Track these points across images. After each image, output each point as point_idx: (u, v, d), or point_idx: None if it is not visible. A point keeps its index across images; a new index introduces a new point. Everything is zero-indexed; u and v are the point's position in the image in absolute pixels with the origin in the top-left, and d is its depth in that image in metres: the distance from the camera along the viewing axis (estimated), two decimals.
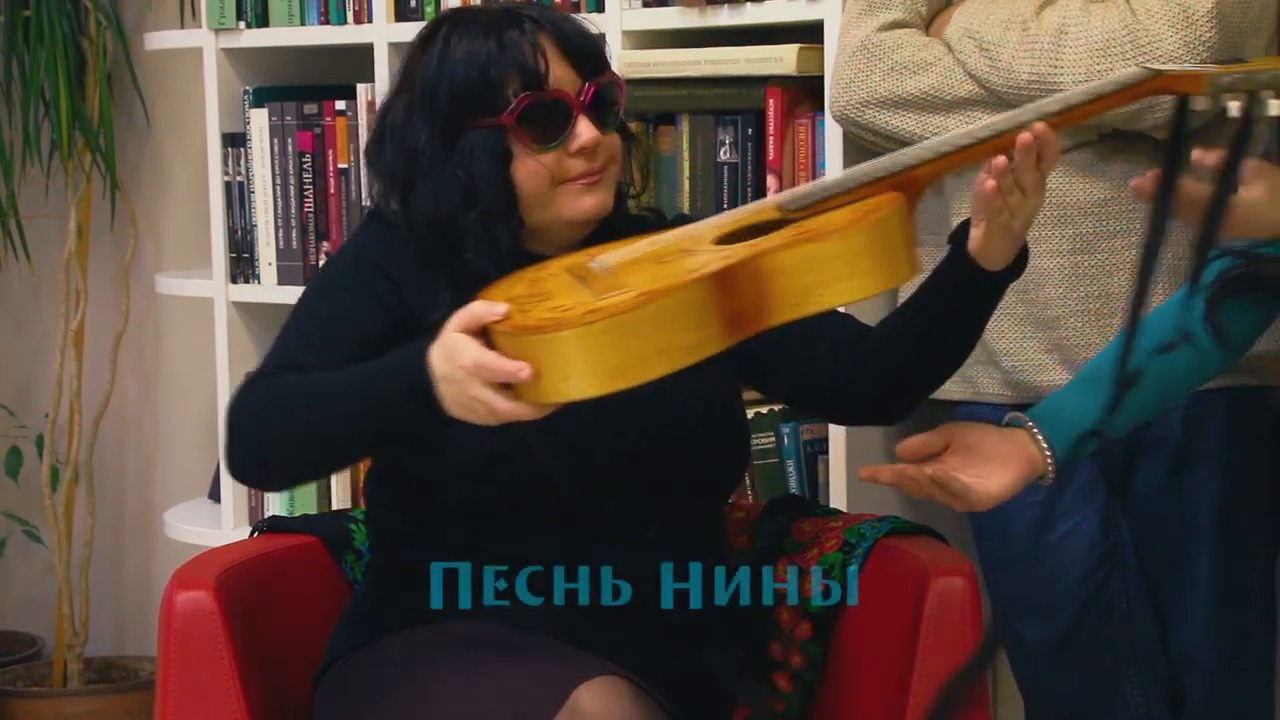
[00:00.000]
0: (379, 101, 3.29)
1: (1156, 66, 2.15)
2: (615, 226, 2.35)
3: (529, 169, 2.30)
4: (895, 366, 2.32)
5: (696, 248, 2.12)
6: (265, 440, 2.19)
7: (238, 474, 2.24)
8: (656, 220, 2.45)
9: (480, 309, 2.04)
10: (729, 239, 2.12)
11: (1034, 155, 2.12)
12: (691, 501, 2.38)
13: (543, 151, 2.29)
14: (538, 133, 2.29)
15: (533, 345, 1.99)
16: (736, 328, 2.03)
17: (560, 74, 2.30)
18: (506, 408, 2.01)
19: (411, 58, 2.38)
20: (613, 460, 2.29)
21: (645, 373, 1.98)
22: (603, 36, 2.42)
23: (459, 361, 2.02)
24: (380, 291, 2.30)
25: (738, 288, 2.02)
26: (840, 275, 2.03)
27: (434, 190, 2.31)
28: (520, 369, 1.98)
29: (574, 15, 2.40)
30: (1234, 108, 2.07)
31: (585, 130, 2.29)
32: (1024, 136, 2.10)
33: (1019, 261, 2.22)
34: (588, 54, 2.33)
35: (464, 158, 2.29)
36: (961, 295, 2.24)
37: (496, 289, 2.14)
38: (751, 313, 2.03)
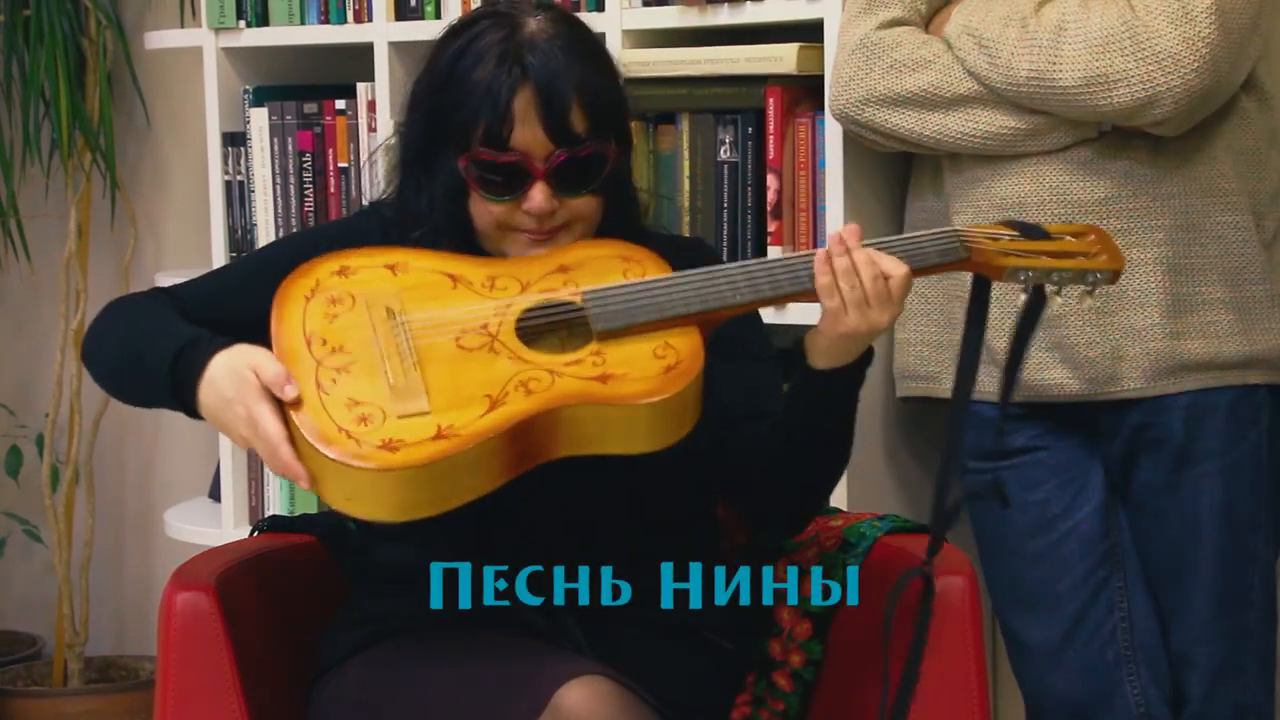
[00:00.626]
0: (379, 101, 3.32)
1: (969, 244, 2.21)
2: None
3: (479, 210, 2.30)
4: (770, 468, 2.32)
5: (498, 337, 2.18)
6: (99, 336, 2.33)
7: (81, 351, 2.37)
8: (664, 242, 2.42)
9: (276, 380, 2.12)
10: (530, 330, 2.19)
11: (863, 257, 2.17)
12: (679, 499, 2.37)
13: (493, 202, 2.28)
14: (488, 186, 2.27)
15: (320, 460, 2.09)
16: (518, 466, 2.12)
17: (528, 136, 2.24)
18: (276, 469, 2.12)
19: (443, 39, 2.34)
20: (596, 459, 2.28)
21: (425, 511, 2.09)
22: (607, 96, 2.30)
23: (248, 406, 2.12)
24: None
25: (530, 434, 2.11)
26: (626, 435, 2.15)
27: (404, 190, 2.35)
28: (301, 478, 2.10)
29: (598, 59, 2.30)
30: (1021, 300, 2.21)
31: (538, 196, 2.26)
32: (834, 235, 2.18)
33: (858, 365, 2.25)
34: (569, 120, 2.25)
35: (432, 173, 2.31)
36: (804, 393, 2.26)
37: (301, 280, 2.22)
38: (535, 451, 2.13)
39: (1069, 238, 2.24)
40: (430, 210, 2.31)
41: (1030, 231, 2.24)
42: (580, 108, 2.25)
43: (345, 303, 2.21)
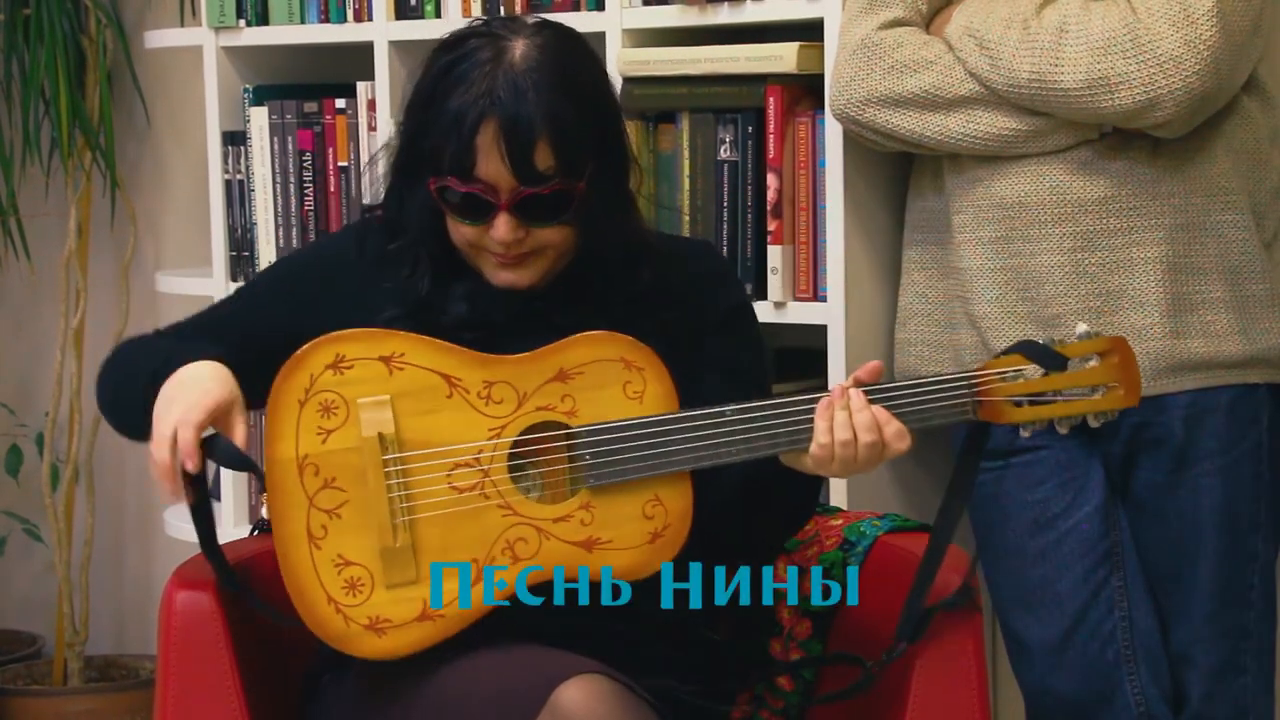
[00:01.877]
0: (379, 100, 3.32)
1: (981, 395, 2.20)
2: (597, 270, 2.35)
3: (453, 228, 2.30)
4: (720, 523, 2.33)
5: (490, 474, 2.23)
6: (104, 382, 2.40)
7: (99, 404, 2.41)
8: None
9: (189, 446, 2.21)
10: (520, 456, 2.24)
11: (865, 421, 2.15)
12: None
13: (462, 224, 2.28)
14: (455, 211, 2.27)
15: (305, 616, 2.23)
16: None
17: (492, 170, 2.23)
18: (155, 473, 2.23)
19: (436, 51, 2.33)
20: None
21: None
22: (581, 130, 2.25)
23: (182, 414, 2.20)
24: (302, 301, 2.34)
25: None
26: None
27: (389, 200, 2.36)
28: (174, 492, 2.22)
29: (579, 90, 2.26)
30: (1025, 430, 2.23)
31: (501, 226, 2.25)
32: (837, 389, 2.18)
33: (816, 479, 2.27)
34: (533, 159, 2.22)
35: (413, 187, 2.31)
36: (768, 474, 2.26)
37: (296, 376, 2.24)
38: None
39: (1094, 359, 2.21)
40: (409, 223, 2.33)
41: (1049, 361, 2.20)
42: (548, 145, 2.23)
43: (339, 414, 2.23)
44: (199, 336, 2.37)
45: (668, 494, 2.22)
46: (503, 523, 2.21)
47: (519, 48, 2.26)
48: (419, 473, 2.22)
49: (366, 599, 2.20)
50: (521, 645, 2.23)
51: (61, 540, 4.17)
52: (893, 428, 2.16)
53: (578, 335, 2.24)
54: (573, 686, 2.10)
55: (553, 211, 2.26)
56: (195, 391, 2.22)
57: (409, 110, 2.32)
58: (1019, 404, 2.20)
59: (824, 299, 2.89)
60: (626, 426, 2.21)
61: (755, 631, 2.49)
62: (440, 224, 2.31)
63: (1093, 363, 2.21)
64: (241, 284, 2.50)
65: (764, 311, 2.87)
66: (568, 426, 2.23)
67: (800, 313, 2.90)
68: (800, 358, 2.98)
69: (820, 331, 2.88)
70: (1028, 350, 2.21)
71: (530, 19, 2.33)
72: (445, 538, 2.21)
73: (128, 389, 2.32)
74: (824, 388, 2.43)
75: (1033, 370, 2.20)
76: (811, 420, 2.17)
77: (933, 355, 2.75)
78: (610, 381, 2.23)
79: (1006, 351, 2.23)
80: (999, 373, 2.20)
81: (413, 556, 2.21)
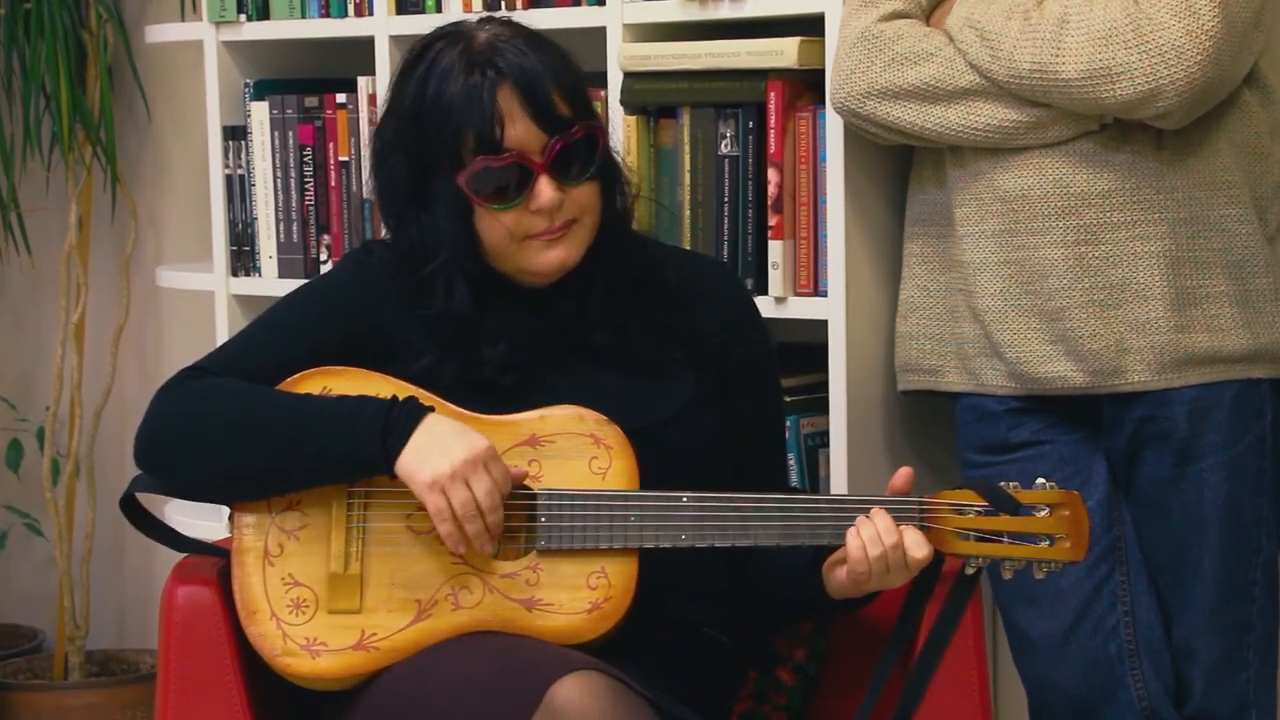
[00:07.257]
0: (380, 95, 3.31)
1: (929, 517, 2.26)
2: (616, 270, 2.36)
3: (488, 225, 2.29)
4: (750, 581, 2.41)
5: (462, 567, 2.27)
6: (188, 432, 2.29)
7: (141, 457, 2.34)
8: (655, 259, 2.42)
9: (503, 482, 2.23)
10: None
11: (892, 540, 2.23)
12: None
13: (501, 211, 2.28)
14: (492, 195, 2.27)
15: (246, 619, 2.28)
16: None
17: (520, 132, 2.25)
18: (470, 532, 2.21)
19: (402, 74, 2.34)
20: None
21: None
22: (578, 80, 2.31)
23: (479, 454, 2.19)
24: (349, 313, 2.34)
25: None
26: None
27: (405, 231, 2.33)
28: (487, 545, 2.22)
29: (556, 50, 2.30)
30: (970, 567, 2.28)
31: (545, 191, 2.25)
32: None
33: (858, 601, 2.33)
34: (554, 106, 2.25)
35: (430, 204, 2.30)
36: (807, 592, 2.35)
37: None
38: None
39: (1044, 510, 2.26)
40: (438, 241, 2.30)
41: (1001, 503, 2.25)
42: (559, 92, 2.27)
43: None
44: (269, 362, 2.33)
45: (614, 568, 2.25)
46: (452, 569, 2.25)
47: (483, 34, 2.30)
48: (380, 509, 2.27)
49: (309, 620, 2.25)
50: (517, 641, 2.23)
51: (62, 534, 4.17)
52: (911, 535, 2.23)
53: (556, 407, 2.28)
54: (568, 683, 2.10)
55: (586, 159, 2.28)
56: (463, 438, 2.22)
57: (396, 136, 2.31)
58: (965, 537, 2.25)
59: (825, 294, 2.89)
60: (584, 496, 2.25)
61: (759, 631, 2.50)
62: (469, 230, 2.30)
63: (1043, 513, 2.25)
64: (266, 318, 2.42)
65: (765, 307, 2.87)
66: (529, 489, 2.26)
67: (801, 308, 2.90)
68: (801, 353, 2.98)
69: (821, 326, 2.88)
70: (982, 488, 2.26)
71: (474, 18, 2.37)
72: (394, 574, 2.26)
73: (291, 443, 2.25)
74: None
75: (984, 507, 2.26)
76: (761, 516, 2.24)
77: (934, 349, 2.75)
78: (578, 454, 2.27)
79: (962, 485, 2.28)
80: (952, 504, 2.26)
81: (359, 587, 2.25)
